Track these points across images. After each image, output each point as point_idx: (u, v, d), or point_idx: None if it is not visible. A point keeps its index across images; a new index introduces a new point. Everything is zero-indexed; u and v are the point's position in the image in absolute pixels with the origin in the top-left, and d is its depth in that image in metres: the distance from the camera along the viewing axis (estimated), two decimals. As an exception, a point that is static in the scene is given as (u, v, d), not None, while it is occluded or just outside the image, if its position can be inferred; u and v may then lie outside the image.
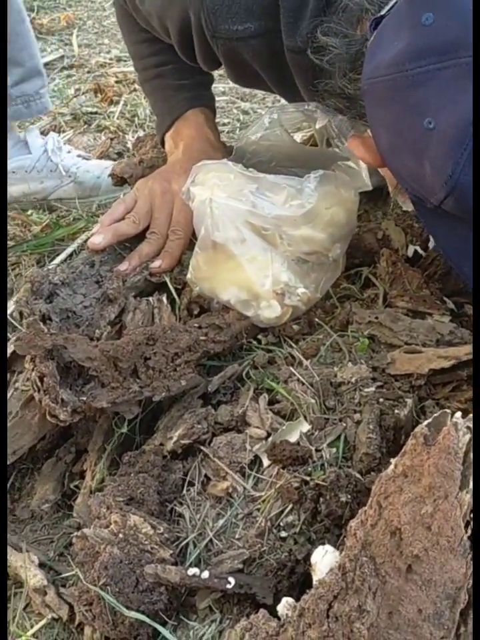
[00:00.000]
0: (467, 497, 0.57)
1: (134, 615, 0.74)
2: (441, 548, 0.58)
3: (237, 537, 0.84)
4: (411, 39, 0.77)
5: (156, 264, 1.15)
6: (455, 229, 0.85)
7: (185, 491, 0.89)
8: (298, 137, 1.64)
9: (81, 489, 0.95)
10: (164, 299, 1.09)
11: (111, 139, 2.08)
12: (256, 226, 1.03)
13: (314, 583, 0.64)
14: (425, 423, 0.58)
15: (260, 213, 1.02)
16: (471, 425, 0.57)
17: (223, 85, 2.64)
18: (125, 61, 2.82)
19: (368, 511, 0.61)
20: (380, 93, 0.82)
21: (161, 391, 0.95)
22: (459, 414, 0.57)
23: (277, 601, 0.72)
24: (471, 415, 0.57)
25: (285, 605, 0.68)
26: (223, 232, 1.02)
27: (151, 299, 1.09)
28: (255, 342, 1.04)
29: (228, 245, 1.02)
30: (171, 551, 0.81)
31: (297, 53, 1.00)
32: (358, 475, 0.82)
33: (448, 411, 0.57)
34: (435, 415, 0.58)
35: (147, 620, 0.73)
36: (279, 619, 0.69)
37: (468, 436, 0.56)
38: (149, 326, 1.04)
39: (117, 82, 2.55)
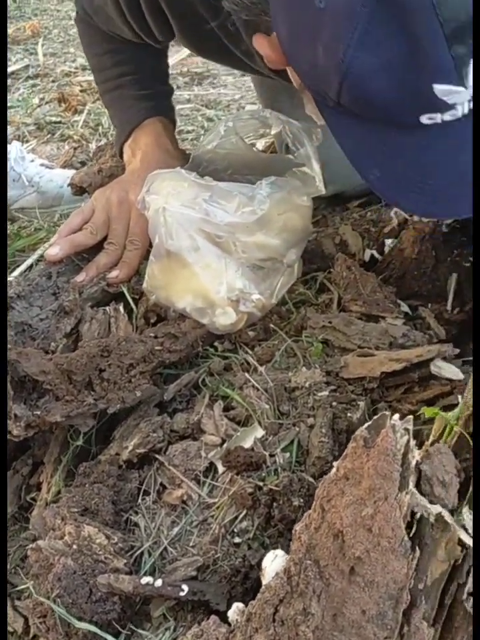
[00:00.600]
0: (406, 498, 0.57)
1: (84, 626, 0.73)
2: (382, 549, 0.58)
3: (191, 544, 0.84)
4: None
5: (113, 274, 1.15)
6: (356, 129, 0.83)
7: (140, 500, 0.89)
8: (260, 143, 1.65)
9: (37, 501, 0.94)
10: (120, 308, 1.09)
11: (74, 148, 2.08)
12: (210, 234, 1.03)
13: (262, 587, 0.64)
14: (365, 425, 0.59)
15: (213, 221, 1.02)
16: (410, 427, 0.57)
17: (187, 93, 2.65)
18: (90, 69, 2.82)
19: (312, 515, 0.61)
20: None
21: (115, 402, 0.94)
22: (396, 416, 0.57)
23: (231, 606, 0.72)
24: (410, 417, 0.58)
25: (234, 611, 0.68)
26: (176, 240, 1.02)
27: (107, 308, 1.08)
28: (211, 349, 1.05)
29: (182, 253, 1.02)
30: (125, 561, 0.81)
31: None
32: (310, 479, 0.83)
33: (387, 413, 0.58)
34: (375, 417, 0.58)
35: (98, 631, 0.72)
36: (230, 624, 0.69)
37: (405, 437, 0.57)
38: (105, 336, 1.04)
39: (81, 91, 2.56)
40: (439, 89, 0.75)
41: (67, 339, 1.04)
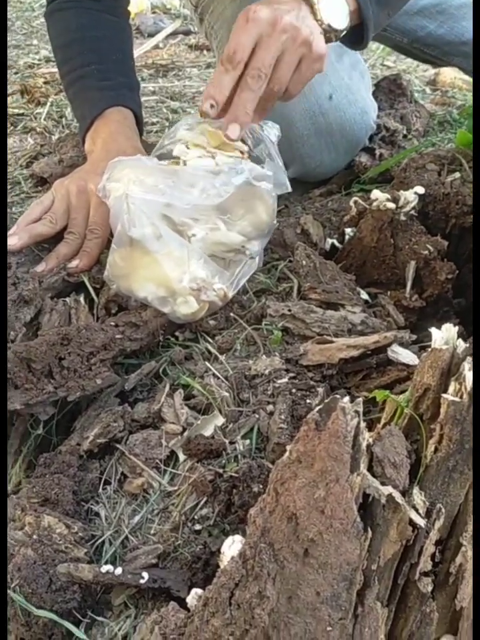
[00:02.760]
0: (358, 480, 0.58)
1: (43, 614, 0.73)
2: (335, 531, 0.59)
3: (152, 532, 0.84)
4: None
5: (74, 264, 1.14)
6: None
7: (101, 490, 0.89)
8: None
9: (-3, 492, 0.94)
10: (81, 299, 1.09)
11: (41, 145, 2.06)
12: (173, 221, 1.03)
13: (218, 572, 0.64)
14: (316, 408, 0.59)
15: (176, 205, 1.02)
16: (360, 409, 0.58)
17: (152, 85, 2.64)
18: (54, 61, 2.80)
19: (266, 498, 0.62)
20: None
21: (75, 390, 0.94)
22: (347, 399, 0.58)
23: (192, 593, 0.72)
24: (359, 399, 0.58)
25: (193, 596, 0.68)
26: (139, 228, 1.02)
27: (67, 299, 1.08)
28: (172, 339, 1.05)
29: (144, 241, 1.02)
30: (86, 550, 0.81)
31: None
32: (270, 465, 0.83)
33: (338, 396, 0.58)
34: (326, 401, 0.59)
35: (57, 619, 0.72)
36: (189, 610, 0.69)
37: (356, 420, 0.58)
38: (65, 326, 1.04)
39: (45, 83, 2.53)
40: None
41: (27, 328, 1.03)
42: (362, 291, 1.11)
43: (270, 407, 0.90)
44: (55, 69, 2.61)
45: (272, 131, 1.17)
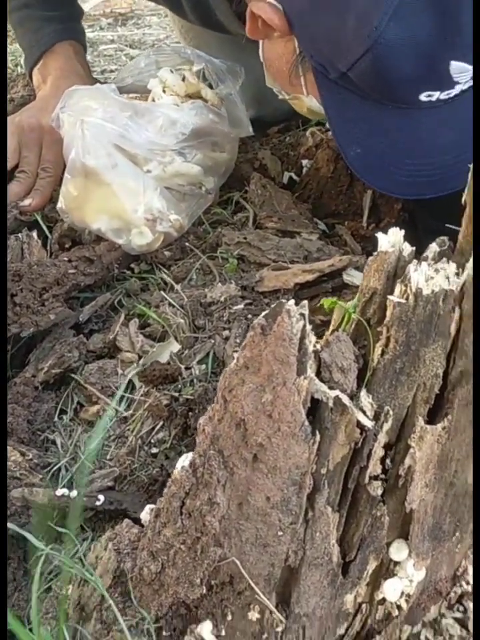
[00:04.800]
0: (305, 383, 0.58)
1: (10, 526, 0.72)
2: (283, 434, 0.59)
3: (108, 457, 0.84)
4: None
5: (26, 202, 1.12)
6: (351, 105, 0.86)
7: (57, 419, 0.89)
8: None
9: None
10: (34, 234, 1.07)
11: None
12: (129, 151, 1.01)
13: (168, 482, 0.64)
14: (263, 314, 0.59)
15: (133, 139, 1.00)
16: (305, 312, 0.58)
17: (111, 33, 2.59)
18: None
19: (214, 406, 0.61)
20: None
21: (29, 326, 0.93)
22: (291, 302, 0.57)
23: (149, 513, 0.72)
24: (305, 302, 0.58)
25: (146, 512, 0.69)
26: (93, 156, 0.99)
27: (19, 235, 1.06)
28: (128, 271, 1.04)
29: (99, 170, 1.00)
30: (41, 476, 0.81)
31: None
32: (223, 392, 0.83)
33: (283, 300, 0.58)
34: (272, 306, 0.59)
35: (18, 529, 0.71)
36: (143, 526, 0.69)
37: (301, 322, 0.57)
38: (17, 263, 1.02)
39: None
40: (455, 66, 0.78)
41: (-22, 265, 1.01)
42: (319, 222, 1.10)
43: (225, 333, 0.90)
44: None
45: (235, 73, 1.15)
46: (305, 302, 0.58)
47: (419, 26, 0.76)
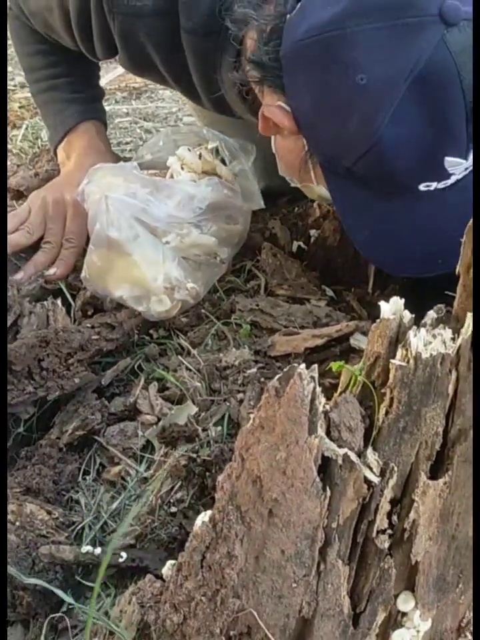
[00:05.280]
0: (316, 442, 0.63)
1: (33, 581, 0.76)
2: (296, 490, 0.63)
3: (131, 517, 0.88)
4: (350, 2, 0.84)
5: (51, 271, 1.19)
6: (357, 195, 0.93)
7: (80, 479, 0.93)
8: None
9: (-20, 487, 0.97)
10: (58, 302, 1.13)
11: (17, 165, 2.11)
12: (148, 226, 1.08)
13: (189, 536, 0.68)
14: (276, 377, 0.64)
15: (153, 213, 1.07)
16: (315, 375, 0.63)
17: (125, 107, 2.71)
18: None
19: (232, 464, 0.66)
20: (310, 53, 0.88)
21: (54, 390, 0.98)
22: (302, 366, 0.63)
23: (168, 571, 0.76)
24: (315, 366, 0.63)
25: (168, 567, 0.72)
26: (117, 228, 1.06)
27: (45, 302, 1.12)
28: (147, 337, 1.09)
29: (122, 241, 1.06)
30: (67, 534, 0.85)
31: (193, 34, 1.05)
32: (237, 453, 0.88)
33: (295, 365, 0.63)
34: (284, 370, 0.64)
35: (46, 585, 0.75)
36: (165, 580, 0.73)
37: (312, 385, 0.62)
38: (43, 329, 1.08)
39: (20, 107, 2.59)
40: (449, 160, 0.86)
41: (7, 333, 1.07)
42: (327, 288, 1.16)
43: (240, 395, 0.95)
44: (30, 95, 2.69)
45: (247, 151, 1.23)
46: (315, 366, 0.64)
47: (414, 127, 0.83)
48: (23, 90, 2.80)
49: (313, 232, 1.23)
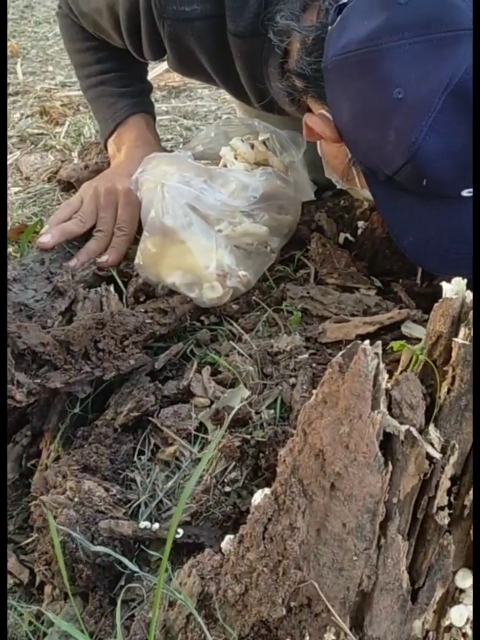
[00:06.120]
0: (379, 417, 0.64)
1: (100, 548, 0.78)
2: (359, 464, 0.65)
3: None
4: (387, 17, 0.86)
5: (103, 259, 1.21)
6: (400, 201, 0.95)
7: (135, 459, 0.95)
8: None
9: (37, 467, 1.00)
10: (111, 288, 1.15)
11: (62, 161, 2.15)
12: (202, 212, 1.10)
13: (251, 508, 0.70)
14: (340, 354, 0.65)
15: (207, 200, 1.09)
16: (379, 351, 0.64)
17: (165, 105, 2.74)
18: (70, 86, 2.92)
19: (295, 439, 0.67)
20: (349, 68, 0.89)
21: (111, 370, 1.01)
22: (366, 342, 0.64)
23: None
24: (379, 342, 0.64)
25: (227, 542, 0.74)
26: (172, 216, 1.08)
27: (99, 289, 1.15)
28: (198, 323, 1.11)
29: (176, 228, 1.08)
30: (124, 510, 0.87)
31: (240, 37, 1.07)
32: (294, 431, 0.89)
33: (359, 342, 0.65)
34: (348, 346, 0.65)
35: (111, 552, 0.76)
36: (224, 555, 0.75)
37: (375, 361, 0.64)
38: (99, 313, 1.10)
39: (62, 105, 2.63)
40: None
41: (62, 316, 1.10)
42: (375, 279, 1.17)
43: (292, 380, 0.97)
44: (72, 93, 2.74)
45: (298, 143, 1.25)
46: (379, 342, 0.65)
47: (451, 139, 0.85)
48: (64, 89, 2.84)
49: (360, 224, 1.24)
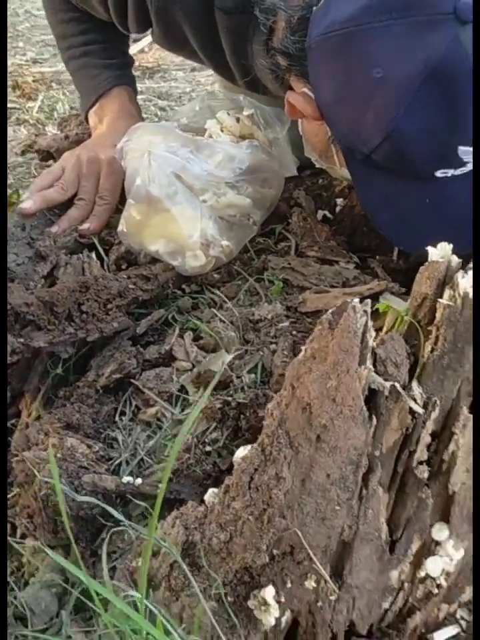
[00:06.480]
0: (365, 373, 0.67)
1: (85, 498, 0.79)
2: (344, 417, 0.67)
3: (166, 454, 0.92)
4: None
5: (84, 226, 1.22)
6: (376, 180, 0.98)
7: (117, 419, 0.97)
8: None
9: (17, 426, 1.01)
10: (93, 255, 1.16)
11: (36, 135, 2.14)
12: (187, 182, 1.11)
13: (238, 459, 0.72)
14: (330, 311, 0.68)
15: (193, 170, 1.11)
16: (368, 309, 0.67)
17: (139, 85, 2.73)
18: (41, 63, 2.91)
19: (283, 393, 0.70)
20: (331, 47, 0.92)
21: (94, 332, 1.02)
22: (356, 300, 0.67)
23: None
24: (368, 301, 0.67)
25: (210, 494, 0.76)
26: (157, 184, 1.10)
27: (81, 255, 1.15)
28: (179, 291, 1.13)
29: (162, 197, 1.10)
30: (106, 467, 0.89)
31: (227, 13, 1.09)
32: (274, 394, 0.91)
33: (349, 299, 0.67)
34: (338, 304, 0.68)
35: (97, 502, 0.77)
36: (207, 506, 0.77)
37: (364, 318, 0.66)
38: (81, 276, 1.11)
39: (33, 81, 2.62)
40: (462, 149, 0.89)
41: (45, 280, 1.10)
42: (353, 256, 1.20)
43: (273, 346, 0.99)
44: (44, 69, 2.73)
45: (282, 119, 1.27)
46: (368, 300, 0.68)
47: (428, 119, 0.88)
48: (36, 65, 2.83)
49: (339, 201, 1.27)
